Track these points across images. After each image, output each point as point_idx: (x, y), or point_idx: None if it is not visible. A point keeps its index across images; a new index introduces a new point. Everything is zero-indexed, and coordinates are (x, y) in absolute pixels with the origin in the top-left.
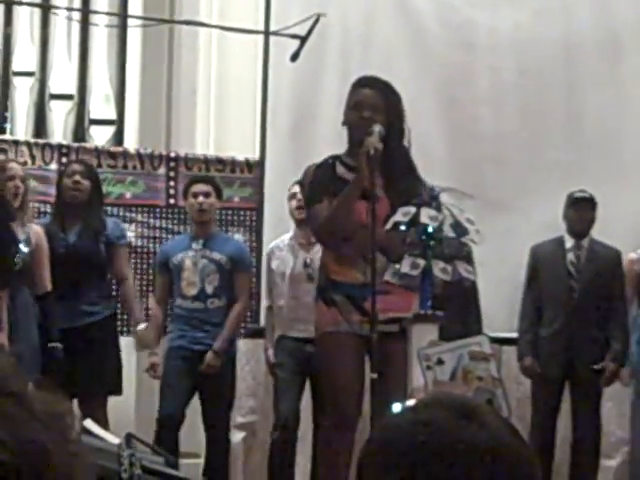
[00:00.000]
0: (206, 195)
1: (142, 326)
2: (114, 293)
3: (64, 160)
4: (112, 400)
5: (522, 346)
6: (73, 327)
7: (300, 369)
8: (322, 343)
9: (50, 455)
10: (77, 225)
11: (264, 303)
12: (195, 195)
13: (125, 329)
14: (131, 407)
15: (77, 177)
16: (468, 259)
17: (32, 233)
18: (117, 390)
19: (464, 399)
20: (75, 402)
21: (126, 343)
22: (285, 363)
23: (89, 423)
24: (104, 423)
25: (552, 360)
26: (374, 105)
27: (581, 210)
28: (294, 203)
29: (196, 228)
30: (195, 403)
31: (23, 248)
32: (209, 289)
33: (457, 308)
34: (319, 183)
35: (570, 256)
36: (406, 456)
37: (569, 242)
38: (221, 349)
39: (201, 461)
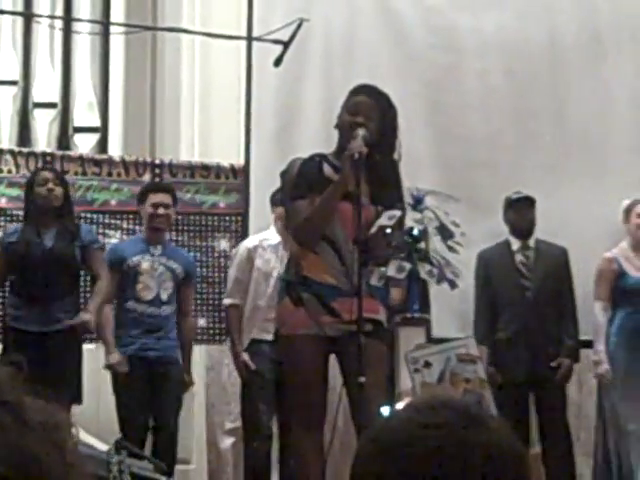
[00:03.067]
0: (166, 207)
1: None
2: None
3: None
4: (99, 407)
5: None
6: (43, 332)
7: (275, 375)
8: (288, 345)
9: (44, 467)
10: (51, 230)
11: (227, 301)
12: (155, 206)
13: (94, 337)
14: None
15: (50, 185)
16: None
17: None
18: (78, 399)
19: (464, 401)
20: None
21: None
22: (263, 370)
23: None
24: None
25: (514, 365)
26: (368, 112)
27: (521, 210)
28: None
29: (150, 234)
30: (184, 411)
31: None
32: (164, 296)
33: None
34: (305, 178)
35: (519, 257)
36: (418, 459)
37: (515, 244)
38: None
39: (192, 467)
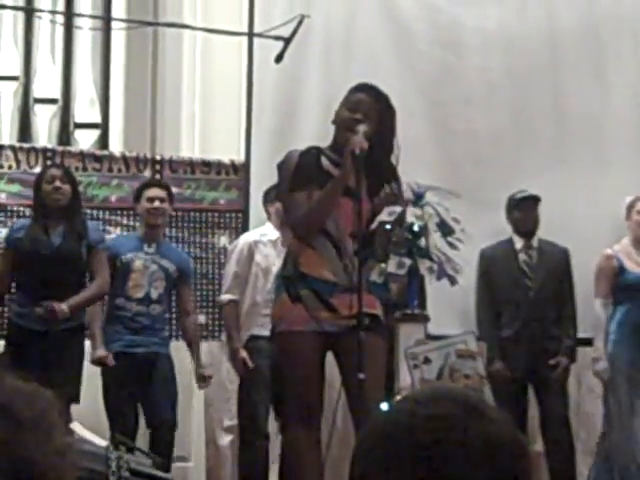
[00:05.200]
0: (161, 200)
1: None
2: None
3: (49, 164)
4: (98, 403)
5: (491, 349)
6: (47, 330)
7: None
8: (285, 341)
9: (38, 466)
10: (59, 228)
11: (225, 297)
12: (151, 200)
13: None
14: None
15: (58, 183)
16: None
17: None
18: (76, 399)
19: (465, 393)
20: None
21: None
22: (261, 367)
23: (77, 427)
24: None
25: (516, 362)
26: (367, 110)
27: (525, 209)
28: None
29: (147, 231)
30: (182, 408)
31: None
32: (154, 294)
33: None
34: (304, 170)
35: (522, 256)
36: (420, 451)
37: (519, 243)
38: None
39: (191, 464)
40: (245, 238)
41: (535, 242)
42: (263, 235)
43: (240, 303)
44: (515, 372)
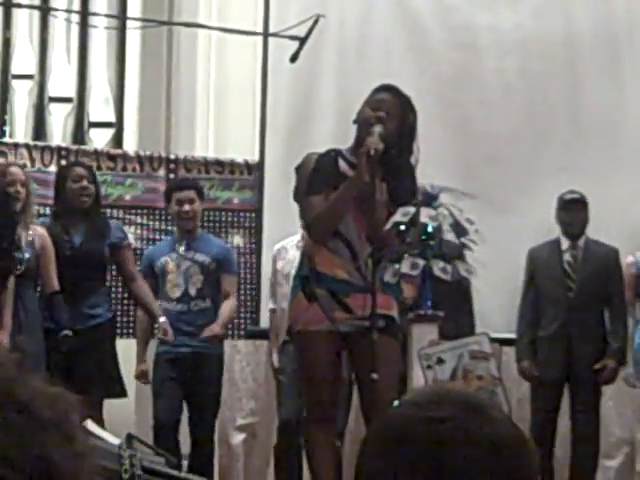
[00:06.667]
0: (190, 202)
1: (163, 319)
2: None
3: (63, 162)
4: (112, 402)
5: (520, 348)
6: (75, 329)
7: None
8: (303, 341)
9: (56, 468)
10: (80, 227)
11: (268, 306)
12: (180, 202)
13: (125, 332)
14: (131, 409)
15: (85, 182)
16: (464, 259)
17: (37, 236)
18: (122, 392)
19: (465, 393)
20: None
21: (124, 346)
22: (286, 368)
23: (90, 424)
24: (101, 426)
25: (551, 362)
26: (390, 110)
27: (573, 211)
28: None
29: (180, 232)
30: None
31: (26, 253)
32: (192, 291)
33: (451, 308)
34: (321, 173)
35: (566, 257)
36: (422, 454)
37: (565, 243)
38: (222, 325)
39: None
40: (275, 246)
41: (581, 243)
42: (291, 241)
43: (276, 311)
44: (549, 372)
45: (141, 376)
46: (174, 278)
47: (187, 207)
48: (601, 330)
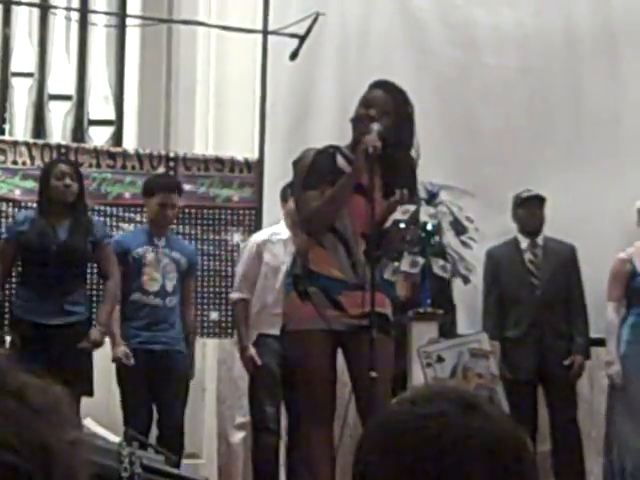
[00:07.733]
0: (173, 207)
1: (96, 332)
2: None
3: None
4: (109, 399)
5: None
6: (53, 325)
7: (283, 370)
8: (296, 340)
9: (53, 452)
10: (65, 223)
11: (235, 295)
12: (164, 206)
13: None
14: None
15: (68, 180)
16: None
17: None
18: (89, 392)
19: (460, 390)
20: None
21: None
22: (270, 365)
23: (88, 422)
24: None
25: (523, 362)
26: (382, 106)
27: (530, 208)
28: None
29: (155, 225)
30: (194, 405)
31: None
32: (169, 287)
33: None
34: (318, 169)
35: (528, 255)
36: (418, 450)
37: (524, 242)
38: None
39: (202, 461)
40: (254, 238)
41: (540, 240)
42: (274, 234)
43: (250, 302)
44: (521, 373)
45: (120, 358)
46: (152, 272)
47: (170, 212)
48: (568, 326)
